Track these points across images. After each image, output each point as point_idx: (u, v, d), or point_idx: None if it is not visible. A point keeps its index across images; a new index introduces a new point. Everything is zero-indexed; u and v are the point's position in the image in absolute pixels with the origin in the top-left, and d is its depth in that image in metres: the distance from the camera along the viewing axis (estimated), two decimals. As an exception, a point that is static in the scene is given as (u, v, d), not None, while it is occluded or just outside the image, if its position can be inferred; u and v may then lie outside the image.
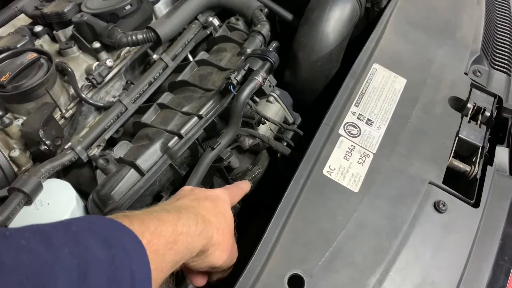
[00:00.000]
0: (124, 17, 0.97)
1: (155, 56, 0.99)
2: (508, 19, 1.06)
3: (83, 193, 0.78)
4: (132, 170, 0.75)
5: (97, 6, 0.97)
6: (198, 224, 0.57)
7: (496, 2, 1.11)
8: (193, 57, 1.02)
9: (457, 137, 0.79)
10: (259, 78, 0.79)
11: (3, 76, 0.80)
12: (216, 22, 1.04)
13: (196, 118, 0.81)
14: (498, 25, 1.04)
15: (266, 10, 1.04)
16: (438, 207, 0.70)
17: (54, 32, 0.99)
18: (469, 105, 0.83)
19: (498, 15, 1.07)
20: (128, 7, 0.96)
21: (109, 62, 0.92)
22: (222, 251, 0.62)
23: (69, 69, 0.88)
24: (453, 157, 0.78)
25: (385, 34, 0.92)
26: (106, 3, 0.97)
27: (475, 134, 0.81)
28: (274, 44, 0.97)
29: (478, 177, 0.76)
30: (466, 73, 0.90)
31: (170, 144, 0.78)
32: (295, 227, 0.65)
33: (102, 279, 0.41)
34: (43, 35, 0.99)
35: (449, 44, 0.93)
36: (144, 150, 0.77)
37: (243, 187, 0.77)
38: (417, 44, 0.92)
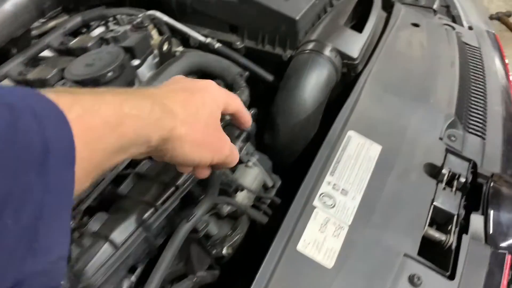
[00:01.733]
0: (106, 83, 1.00)
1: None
2: (482, 81, 1.09)
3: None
4: (106, 244, 0.74)
5: (80, 72, 0.99)
6: (153, 111, 0.52)
7: (470, 65, 1.14)
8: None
9: (432, 206, 0.80)
10: (235, 149, 0.80)
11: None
12: (197, 86, 1.06)
13: (173, 188, 0.81)
14: (472, 88, 1.07)
15: (246, 73, 1.06)
16: (412, 281, 0.70)
17: (37, 97, 1.00)
18: (444, 171, 0.84)
19: (472, 78, 1.10)
20: (110, 73, 0.98)
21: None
22: (193, 146, 0.57)
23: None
24: (429, 224, 0.78)
25: (360, 100, 0.94)
26: (88, 69, 0.99)
27: (450, 202, 0.81)
28: (252, 111, 0.99)
29: (453, 247, 0.77)
30: (441, 138, 0.92)
31: (145, 216, 0.78)
32: (268, 308, 0.64)
33: None
34: (26, 100, 1.01)
35: (423, 109, 0.96)
36: (119, 223, 0.76)
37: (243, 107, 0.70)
38: (391, 110, 0.94)
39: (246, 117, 0.71)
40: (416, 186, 0.83)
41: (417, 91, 0.99)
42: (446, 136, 0.94)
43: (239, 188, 0.86)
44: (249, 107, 1.01)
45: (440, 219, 0.81)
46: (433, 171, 0.86)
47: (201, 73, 1.08)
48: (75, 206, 0.83)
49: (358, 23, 1.28)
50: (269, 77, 1.19)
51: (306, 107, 0.97)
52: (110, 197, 0.86)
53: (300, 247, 0.71)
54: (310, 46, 1.04)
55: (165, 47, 1.10)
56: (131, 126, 0.48)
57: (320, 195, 0.78)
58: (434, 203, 0.80)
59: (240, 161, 0.86)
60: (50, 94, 0.41)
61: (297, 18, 1.11)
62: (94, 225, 0.78)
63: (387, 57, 1.05)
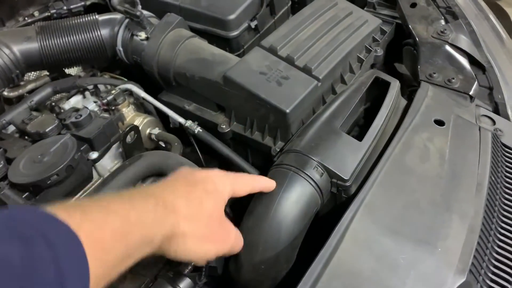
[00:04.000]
0: (51, 186, 0.86)
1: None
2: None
3: None
4: None
5: (24, 172, 0.86)
6: (157, 212, 0.53)
7: (506, 184, 0.88)
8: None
9: None
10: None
11: None
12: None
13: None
14: (503, 226, 0.81)
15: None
16: None
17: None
18: None
19: (505, 208, 0.84)
20: (54, 177, 0.84)
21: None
22: (197, 242, 0.57)
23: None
24: None
25: (342, 244, 0.73)
26: (33, 169, 0.86)
27: None
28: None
29: None
30: (444, 308, 0.70)
31: None
32: None
33: (10, 284, 0.36)
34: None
35: (426, 262, 0.73)
36: None
37: (260, 180, 0.73)
38: (383, 262, 0.72)
39: (263, 187, 0.74)
40: None
41: (422, 232, 0.76)
42: (454, 303, 0.71)
43: None
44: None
45: None
46: None
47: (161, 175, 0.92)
48: None
49: (371, 107, 1.05)
50: (255, 172, 1.00)
51: (274, 242, 0.77)
52: None
53: None
54: (290, 160, 0.84)
55: (128, 138, 0.95)
56: (136, 234, 0.50)
57: None
58: None
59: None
60: (61, 212, 0.43)
61: (288, 110, 0.92)
62: None
63: (390, 178, 0.83)
